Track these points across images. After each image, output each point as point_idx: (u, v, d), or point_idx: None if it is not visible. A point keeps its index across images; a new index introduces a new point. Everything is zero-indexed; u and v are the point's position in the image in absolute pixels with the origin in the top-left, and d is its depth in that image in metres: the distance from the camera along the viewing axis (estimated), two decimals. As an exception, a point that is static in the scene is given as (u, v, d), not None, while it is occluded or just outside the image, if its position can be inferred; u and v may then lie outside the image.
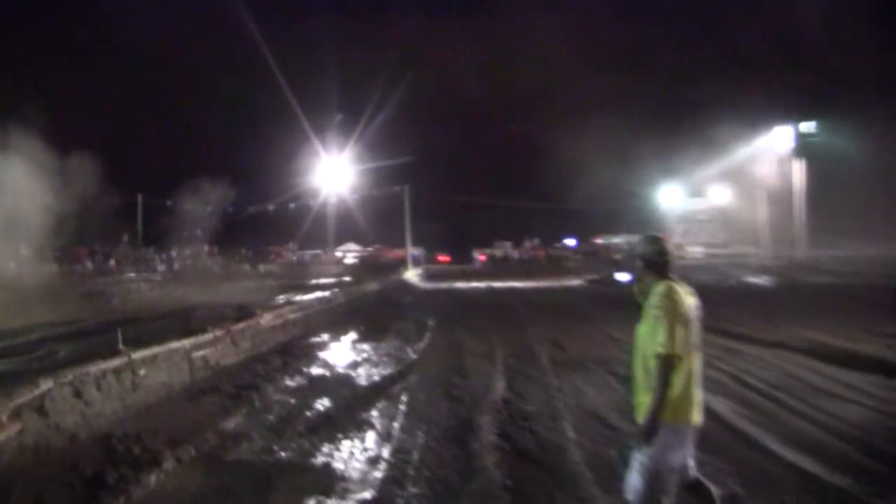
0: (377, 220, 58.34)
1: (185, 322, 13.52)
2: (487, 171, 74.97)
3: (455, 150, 75.51)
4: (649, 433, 3.96)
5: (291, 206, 55.63)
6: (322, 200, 56.06)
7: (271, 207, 55.50)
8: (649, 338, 4.03)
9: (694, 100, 56.92)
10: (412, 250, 54.41)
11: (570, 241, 63.27)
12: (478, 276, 42.89)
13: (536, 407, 8.50)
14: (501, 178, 73.61)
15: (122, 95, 67.33)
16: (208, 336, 11.09)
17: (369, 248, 63.11)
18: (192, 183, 40.86)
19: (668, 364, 3.90)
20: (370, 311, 20.28)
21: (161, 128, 67.55)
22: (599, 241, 60.16)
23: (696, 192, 57.66)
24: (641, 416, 4.05)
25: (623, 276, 24.88)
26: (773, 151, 51.52)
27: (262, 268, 48.55)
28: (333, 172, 55.87)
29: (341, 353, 13.07)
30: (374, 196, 54.16)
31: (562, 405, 8.56)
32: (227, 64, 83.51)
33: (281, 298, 19.02)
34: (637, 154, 54.08)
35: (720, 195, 56.33)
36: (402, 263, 47.75)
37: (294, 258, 58.22)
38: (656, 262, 4.26)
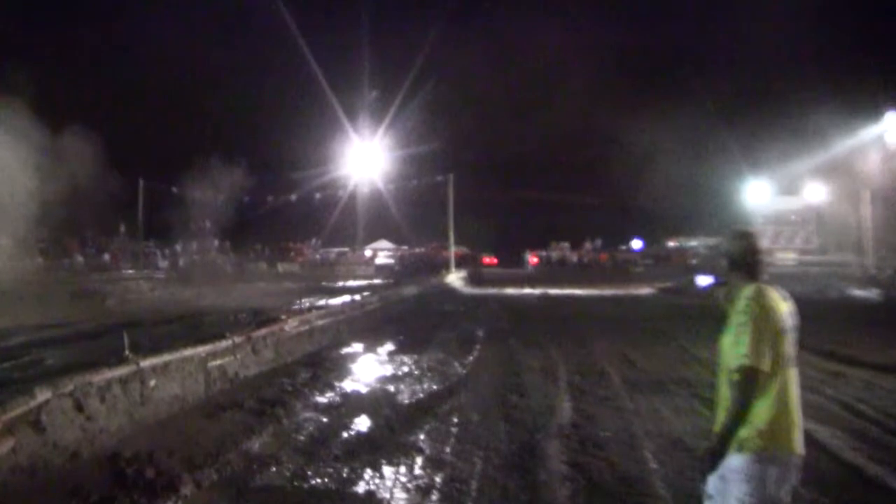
0: (413, 215, 58.18)
1: (195, 328, 13.70)
2: (542, 162, 74.88)
3: (504, 138, 75.10)
4: (713, 458, 3.83)
5: (317, 196, 55.73)
6: (351, 191, 55.75)
7: (293, 198, 55.15)
8: (733, 349, 3.87)
9: (786, 81, 56.01)
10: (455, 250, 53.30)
11: (637, 244, 62.90)
12: (530, 281, 42.78)
13: (611, 432, 8.44)
14: (558, 171, 73.37)
15: (125, 64, 68.07)
16: (226, 343, 11.18)
17: (412, 247, 63.40)
18: (203, 168, 41.20)
19: (749, 378, 3.72)
20: (408, 319, 20.59)
21: (169, 103, 65.33)
22: (672, 244, 60.08)
23: (788, 190, 56.24)
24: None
25: (704, 280, 24.65)
26: (882, 143, 50.15)
27: (280, 267, 49.67)
28: (365, 159, 55.32)
29: (378, 365, 13.19)
30: (413, 186, 53.34)
31: (640, 431, 8.49)
32: (247, 33, 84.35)
33: (304, 303, 19.13)
34: (717, 146, 53.32)
35: (816, 193, 55.00)
36: (459, 262, 48.90)
37: (317, 257, 59.24)
38: (745, 261, 4.08)
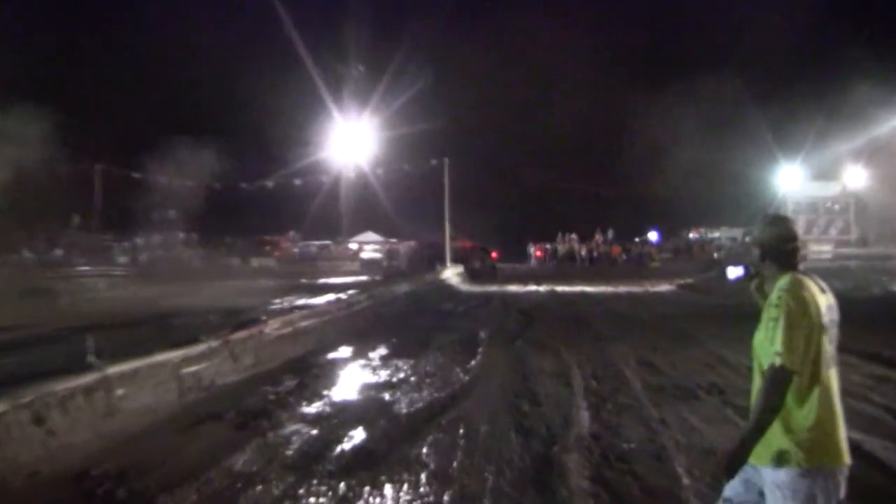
0: (403, 204, 57.83)
1: (163, 331, 13.70)
2: (548, 148, 73.72)
3: (507, 121, 73.27)
4: (733, 462, 3.81)
5: (297, 182, 55.25)
6: (335, 176, 55.65)
7: (270, 184, 55.56)
8: (765, 346, 3.83)
9: (822, 56, 55.81)
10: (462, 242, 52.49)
11: (653, 236, 62.80)
12: (535, 277, 42.76)
13: (635, 444, 8.46)
14: (566, 157, 72.33)
15: (78, 31, 65.68)
16: (201, 348, 11.21)
17: (404, 239, 61.67)
18: (168, 150, 40.88)
19: (780, 379, 3.68)
20: (403, 320, 20.84)
21: (129, 75, 63.42)
22: (693, 235, 59.94)
23: (824, 175, 56.28)
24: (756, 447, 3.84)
25: (734, 272, 24.17)
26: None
27: (255, 263, 49.86)
28: (351, 141, 54.98)
29: (371, 372, 13.25)
30: (404, 171, 52.67)
31: (669, 442, 8.49)
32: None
33: (283, 302, 19.17)
34: (745, 128, 53.33)
35: (855, 178, 55.03)
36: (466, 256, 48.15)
37: (296, 251, 58.76)
38: (779, 249, 4.04)
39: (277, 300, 20.28)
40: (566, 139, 70.88)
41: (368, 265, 51.77)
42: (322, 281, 33.68)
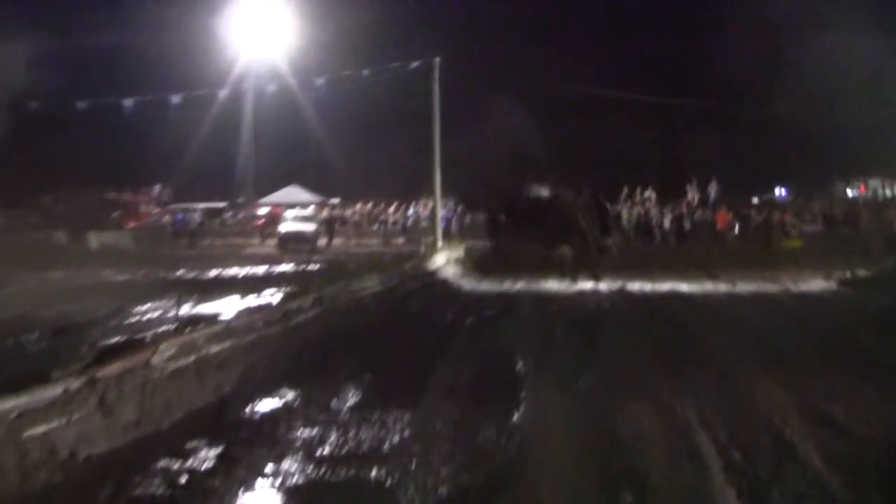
0: (358, 140, 41.69)
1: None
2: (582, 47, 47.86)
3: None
4: None
5: (172, 102, 33.59)
6: (236, 91, 37.79)
7: (127, 105, 33.44)
8: None
9: None
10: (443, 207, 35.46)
11: (780, 192, 45.76)
12: (589, 265, 28.38)
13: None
14: (623, 52, 47.86)
15: None
16: (53, 392, 7.35)
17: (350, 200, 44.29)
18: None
19: None
20: (376, 341, 14.28)
21: None
22: (855, 192, 42.84)
23: None
24: None
25: None
26: None
27: (94, 240, 34.17)
28: (264, 30, 39.72)
29: (337, 433, 8.64)
30: (361, 81, 33.01)
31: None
32: None
33: (155, 311, 14.33)
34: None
35: None
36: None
37: (166, 219, 41.49)
38: None
39: (143, 307, 14.73)
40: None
41: (292, 244, 35.70)
42: (215, 272, 23.76)
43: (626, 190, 38.25)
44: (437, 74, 31.77)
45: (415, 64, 31.84)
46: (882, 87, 35.99)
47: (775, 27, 38.44)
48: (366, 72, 32.60)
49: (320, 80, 33.68)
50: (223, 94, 35.18)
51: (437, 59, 31.84)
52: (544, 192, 33.31)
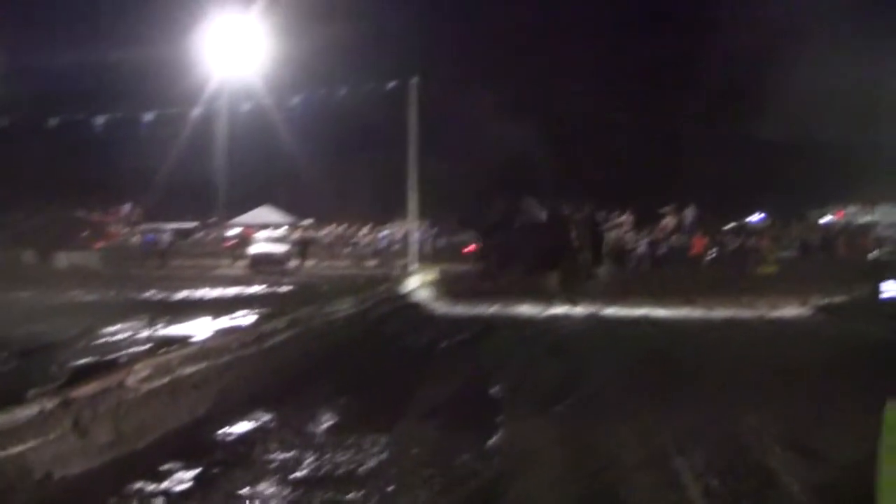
0: (332, 160, 41.32)
1: None
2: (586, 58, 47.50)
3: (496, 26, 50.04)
4: None
5: (144, 120, 34.54)
6: (210, 110, 38.17)
7: (98, 122, 34.15)
8: None
9: None
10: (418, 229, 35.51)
11: (755, 217, 45.05)
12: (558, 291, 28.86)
13: None
14: (615, 72, 48.43)
15: None
16: (28, 412, 7.21)
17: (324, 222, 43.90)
18: None
19: None
20: (352, 364, 14.40)
21: None
22: (832, 217, 41.92)
23: None
24: None
25: (891, 288, 18.40)
26: None
27: (62, 260, 34.81)
28: (240, 49, 38.96)
29: (315, 456, 8.59)
30: (337, 100, 33.36)
31: None
32: None
33: (125, 332, 14.00)
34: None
35: None
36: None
37: (136, 239, 41.18)
38: None
39: (113, 328, 14.43)
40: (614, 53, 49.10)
41: (263, 265, 35.75)
42: (185, 293, 23.52)
43: (602, 213, 37.02)
44: (414, 96, 31.58)
45: (391, 84, 31.90)
46: (860, 111, 36.71)
47: (755, 50, 40.16)
48: (342, 91, 32.96)
49: (295, 100, 34.63)
50: (196, 112, 35.84)
51: (415, 80, 31.67)
52: (537, 209, 33.47)
